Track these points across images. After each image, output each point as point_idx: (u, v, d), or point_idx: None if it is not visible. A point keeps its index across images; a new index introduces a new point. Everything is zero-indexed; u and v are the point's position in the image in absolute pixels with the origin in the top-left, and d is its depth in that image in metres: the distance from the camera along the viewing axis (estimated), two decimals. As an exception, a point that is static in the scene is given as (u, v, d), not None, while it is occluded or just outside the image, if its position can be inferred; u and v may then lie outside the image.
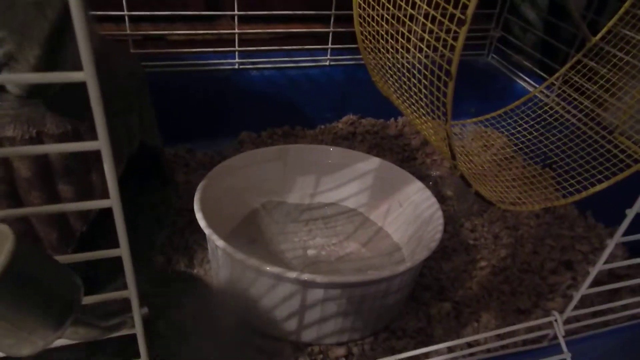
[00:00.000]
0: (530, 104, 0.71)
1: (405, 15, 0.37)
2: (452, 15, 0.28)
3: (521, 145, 0.69)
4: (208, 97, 0.76)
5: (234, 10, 0.73)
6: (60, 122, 0.38)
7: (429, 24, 0.32)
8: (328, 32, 0.79)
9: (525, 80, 0.85)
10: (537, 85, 0.83)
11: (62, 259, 0.18)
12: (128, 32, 0.70)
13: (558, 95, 0.72)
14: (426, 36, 0.32)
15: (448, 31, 0.29)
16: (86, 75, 0.15)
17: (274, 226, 0.62)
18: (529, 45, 0.92)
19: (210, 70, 0.76)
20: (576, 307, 0.56)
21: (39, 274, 0.16)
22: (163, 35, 0.76)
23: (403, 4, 0.37)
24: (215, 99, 0.77)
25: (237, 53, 0.76)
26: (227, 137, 0.78)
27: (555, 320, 0.37)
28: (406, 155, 0.80)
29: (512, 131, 0.71)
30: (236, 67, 0.77)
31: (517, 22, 0.92)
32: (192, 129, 0.75)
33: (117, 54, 0.48)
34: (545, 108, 0.70)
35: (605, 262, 0.32)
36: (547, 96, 0.74)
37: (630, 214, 0.29)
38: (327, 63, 0.81)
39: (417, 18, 0.35)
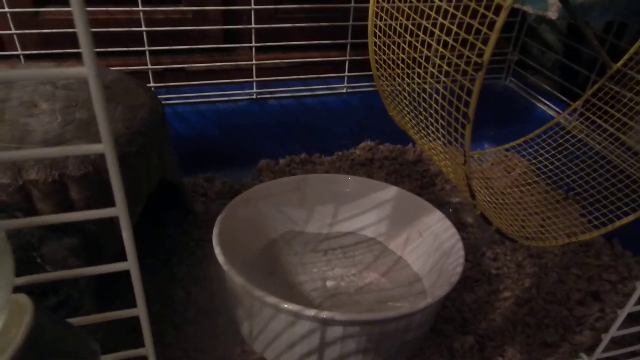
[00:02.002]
0: (551, 132, 0.70)
1: (421, 45, 0.37)
2: (469, 59, 0.28)
3: (544, 169, 0.68)
4: (226, 127, 0.77)
5: (251, 42, 0.74)
6: (82, 163, 0.39)
7: (444, 66, 0.32)
8: (345, 60, 0.80)
9: (544, 104, 0.84)
10: (557, 109, 0.81)
11: (79, 320, 0.18)
12: (149, 66, 0.72)
13: (581, 122, 0.71)
14: (442, 78, 0.32)
15: (465, 73, 0.29)
16: (105, 147, 0.15)
17: (293, 257, 0.62)
18: (549, 69, 0.91)
19: (228, 100, 0.77)
20: (608, 347, 0.54)
21: (56, 342, 0.16)
22: (183, 68, 0.78)
23: (420, 35, 0.37)
24: (233, 128, 0.78)
25: (254, 83, 0.77)
26: (245, 166, 0.78)
27: (584, 363, 0.36)
28: (425, 182, 0.79)
29: (534, 156, 0.70)
30: (254, 96, 0.78)
31: (535, 45, 0.91)
32: (211, 158, 0.76)
33: (136, 92, 0.49)
34: (566, 134, 0.69)
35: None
36: (569, 121, 0.73)
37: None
38: (344, 90, 0.82)
39: (434, 49, 0.35)
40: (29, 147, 0.39)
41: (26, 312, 0.15)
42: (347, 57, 0.79)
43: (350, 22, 0.76)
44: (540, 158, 0.69)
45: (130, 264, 0.18)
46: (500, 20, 0.26)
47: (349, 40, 0.77)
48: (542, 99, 0.84)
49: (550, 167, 0.67)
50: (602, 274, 0.61)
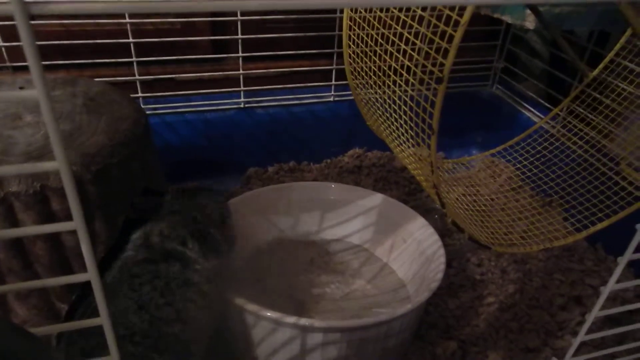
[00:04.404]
0: (536, 136, 0.71)
1: (393, 63, 0.37)
2: (432, 72, 0.29)
3: (529, 174, 0.68)
4: (215, 136, 0.78)
5: (239, 52, 0.75)
6: (64, 175, 0.39)
7: (410, 78, 0.33)
8: (332, 69, 0.81)
9: (530, 111, 0.85)
10: (543, 116, 0.82)
11: (39, 331, 0.18)
12: (137, 76, 0.73)
13: (563, 127, 0.72)
14: (408, 89, 0.33)
15: (429, 86, 0.30)
16: (59, 165, 0.16)
17: (280, 264, 0.62)
18: (535, 76, 0.92)
19: (216, 109, 0.78)
20: (586, 345, 0.54)
21: (13, 351, 0.17)
22: (172, 78, 0.78)
23: (390, 42, 0.38)
24: (221, 137, 0.78)
25: (242, 92, 0.78)
26: (234, 174, 0.79)
27: (556, 367, 0.36)
28: (412, 188, 0.80)
29: (519, 161, 0.71)
30: (242, 106, 0.78)
31: (522, 54, 0.92)
32: (200, 166, 0.77)
33: (120, 104, 0.50)
34: (551, 140, 0.70)
35: (602, 308, 0.32)
36: (553, 127, 0.73)
37: (622, 261, 0.29)
38: (331, 99, 0.83)
39: (399, 60, 0.36)
40: (11, 160, 0.40)
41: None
42: (334, 66, 0.80)
43: (337, 32, 0.77)
44: (525, 162, 0.70)
45: (90, 275, 0.18)
46: (457, 36, 0.27)
47: (335, 49, 0.78)
48: (528, 106, 0.85)
49: (535, 171, 0.68)
50: (585, 278, 0.62)
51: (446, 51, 0.27)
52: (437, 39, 0.28)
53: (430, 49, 0.29)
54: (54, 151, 0.16)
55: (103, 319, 0.20)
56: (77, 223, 0.17)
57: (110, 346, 0.20)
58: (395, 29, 0.35)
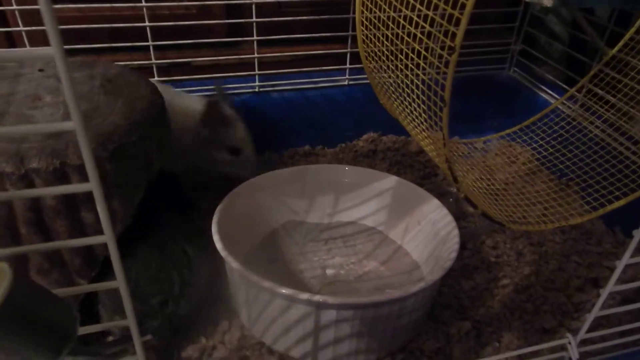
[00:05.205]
0: (553, 116, 0.70)
1: (405, 35, 0.37)
2: (444, 44, 0.29)
3: (548, 157, 0.68)
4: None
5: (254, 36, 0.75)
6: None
7: (423, 51, 0.33)
8: (346, 53, 0.80)
9: (548, 94, 0.83)
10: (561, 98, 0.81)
11: (60, 292, 0.19)
12: (153, 60, 0.73)
13: (582, 106, 0.70)
14: (421, 62, 0.33)
15: (441, 57, 0.29)
16: (75, 124, 0.17)
17: (294, 246, 0.63)
18: (554, 58, 0.91)
19: (231, 93, 0.78)
20: (602, 326, 0.54)
21: (35, 308, 0.17)
22: (188, 62, 0.79)
23: (402, 24, 0.37)
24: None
25: (257, 76, 0.78)
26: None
27: (569, 343, 0.36)
28: (427, 172, 0.79)
29: (537, 144, 0.70)
30: (256, 90, 0.79)
31: (542, 36, 0.90)
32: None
33: (137, 85, 0.51)
34: (569, 120, 0.69)
35: (618, 283, 0.32)
36: (571, 108, 0.72)
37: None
38: (345, 83, 0.83)
39: (416, 37, 0.36)
40: (31, 138, 0.41)
41: (5, 277, 0.16)
42: (349, 49, 0.80)
43: (351, 15, 0.77)
44: (541, 142, 0.69)
45: (107, 238, 0.19)
46: (469, 4, 0.26)
47: (350, 32, 0.78)
48: (546, 89, 0.84)
49: (552, 150, 0.67)
50: (603, 261, 0.61)
51: (458, 20, 0.27)
52: (449, 8, 0.28)
53: (443, 17, 0.29)
54: (70, 111, 0.17)
55: (119, 282, 0.20)
56: (92, 184, 0.18)
57: (126, 308, 0.21)
58: (409, 4, 0.35)
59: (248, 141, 0.66)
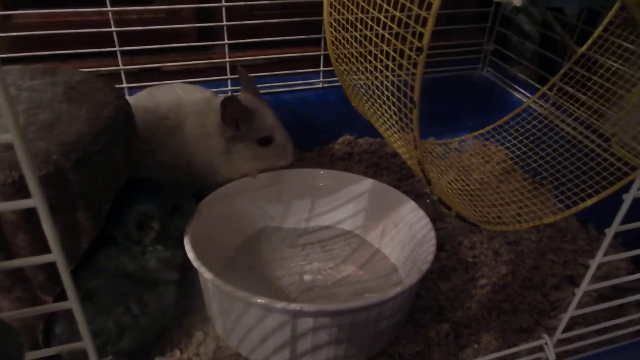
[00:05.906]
0: (525, 115, 0.70)
1: (373, 37, 0.37)
2: (412, 44, 0.28)
3: (522, 156, 0.68)
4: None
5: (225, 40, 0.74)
6: (43, 163, 0.39)
7: (392, 53, 0.32)
8: (319, 55, 0.80)
9: (521, 93, 0.84)
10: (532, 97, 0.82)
11: (5, 315, 0.18)
12: (121, 66, 0.71)
13: (553, 104, 0.71)
14: (390, 64, 0.32)
15: (410, 58, 0.29)
16: (12, 136, 0.15)
17: (271, 252, 0.62)
18: (526, 58, 0.92)
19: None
20: (579, 325, 0.54)
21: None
22: (158, 67, 0.77)
23: (370, 25, 0.37)
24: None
25: (229, 81, 0.77)
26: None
27: (546, 344, 0.36)
28: (404, 174, 0.79)
29: (510, 144, 0.70)
30: (229, 94, 0.77)
31: (511, 36, 0.91)
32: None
33: (102, 92, 0.49)
34: (541, 118, 0.69)
35: (593, 280, 0.31)
36: (543, 107, 0.73)
37: (609, 233, 0.28)
38: (320, 85, 0.82)
39: (383, 39, 0.35)
40: (-13, 150, 0.39)
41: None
42: (322, 52, 0.79)
43: (323, 17, 0.76)
44: (514, 142, 0.69)
45: (56, 256, 0.18)
46: (436, 3, 0.26)
47: (323, 34, 0.77)
48: (519, 89, 0.85)
49: (525, 150, 0.67)
50: (577, 258, 0.62)
51: (425, 20, 0.27)
52: (415, 8, 0.27)
53: (409, 18, 0.28)
54: (7, 122, 0.16)
55: (72, 303, 0.19)
56: (35, 200, 0.17)
57: (81, 329, 0.20)
58: (376, 4, 0.35)
59: (277, 126, 0.61)
